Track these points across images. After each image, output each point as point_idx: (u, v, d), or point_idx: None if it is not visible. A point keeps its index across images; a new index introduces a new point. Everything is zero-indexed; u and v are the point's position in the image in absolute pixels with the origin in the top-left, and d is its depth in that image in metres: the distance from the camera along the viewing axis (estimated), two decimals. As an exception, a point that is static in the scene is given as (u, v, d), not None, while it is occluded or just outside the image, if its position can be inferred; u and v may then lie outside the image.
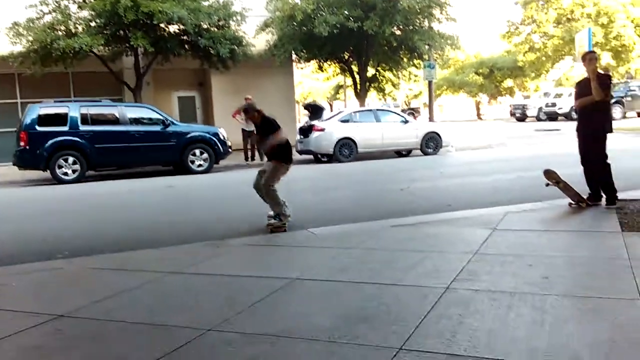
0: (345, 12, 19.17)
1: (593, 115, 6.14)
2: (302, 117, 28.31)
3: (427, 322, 3.09)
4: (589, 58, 6.22)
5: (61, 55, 15.80)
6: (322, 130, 15.26)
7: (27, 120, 13.08)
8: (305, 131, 15.90)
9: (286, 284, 4.00)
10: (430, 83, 21.39)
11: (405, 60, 21.81)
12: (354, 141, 15.33)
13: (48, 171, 13.22)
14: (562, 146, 14.08)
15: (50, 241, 6.33)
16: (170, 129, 14.09)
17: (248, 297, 3.73)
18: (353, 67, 22.14)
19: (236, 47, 17.08)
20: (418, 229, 5.63)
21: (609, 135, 6.22)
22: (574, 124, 6.62)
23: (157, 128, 14.02)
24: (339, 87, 39.94)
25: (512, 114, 34.90)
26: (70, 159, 13.18)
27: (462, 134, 22.32)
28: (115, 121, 13.81)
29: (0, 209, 9.92)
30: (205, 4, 17.18)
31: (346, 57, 21.92)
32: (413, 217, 6.28)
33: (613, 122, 6.75)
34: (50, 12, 16.52)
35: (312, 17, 18.91)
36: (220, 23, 17.58)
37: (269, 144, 6.24)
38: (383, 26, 18.75)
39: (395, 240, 5.27)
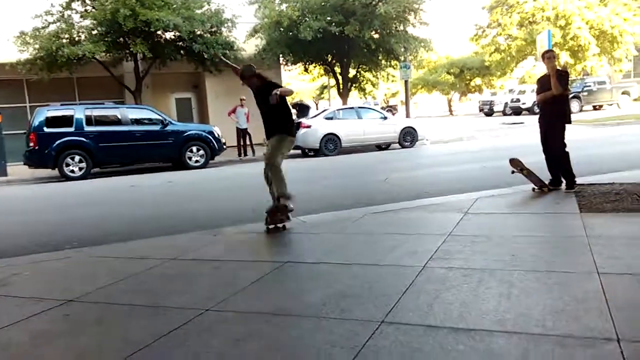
0: (328, 17, 19.11)
1: (553, 108, 6.18)
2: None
3: (406, 298, 3.09)
4: (548, 56, 6.25)
5: (66, 62, 15.59)
6: (309, 127, 15.24)
7: (36, 123, 12.91)
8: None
9: (278, 267, 3.98)
10: (406, 82, 21.40)
11: (383, 61, 21.82)
12: (338, 137, 15.34)
13: (56, 169, 13.07)
14: (526, 137, 14.18)
15: (59, 233, 6.26)
16: (169, 128, 13.98)
17: (243, 279, 3.72)
18: (336, 68, 22.09)
19: (228, 52, 16.95)
20: (397, 215, 5.64)
21: (568, 126, 6.26)
22: (537, 117, 6.66)
23: (157, 127, 13.90)
24: (323, 88, 39.80)
25: (481, 110, 35.12)
26: (77, 158, 13.04)
27: (436, 128, 22.39)
28: (117, 122, 13.67)
29: (12, 204, 9.79)
30: (199, 12, 17.04)
31: (329, 59, 21.86)
32: (392, 204, 6.28)
33: (572, 114, 6.79)
34: (54, 22, 16.30)
35: (297, 23, 18.83)
36: (213, 29, 17.45)
37: (280, 92, 5.18)
38: (362, 30, 18.72)
39: (377, 225, 5.27)
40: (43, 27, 16.16)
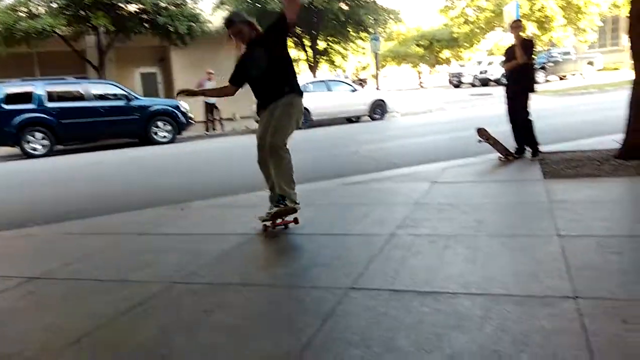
0: (296, -11, 18.75)
1: (519, 77, 6.26)
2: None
3: (374, 264, 3.13)
4: (515, 26, 6.30)
5: (24, 36, 15.00)
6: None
7: (-6, 100, 12.45)
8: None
9: (248, 240, 3.98)
10: (376, 55, 21.33)
11: (352, 33, 21.67)
12: (307, 110, 15.22)
13: (17, 147, 12.69)
14: (493, 108, 14.36)
15: (24, 210, 6.10)
16: (134, 103, 13.68)
17: (212, 252, 3.70)
18: (305, 41, 21.84)
19: (194, 24, 16.57)
20: (366, 186, 5.68)
21: (534, 96, 6.36)
22: (504, 88, 6.73)
23: (121, 103, 13.59)
24: (293, 61, 39.36)
25: (450, 82, 35.30)
26: (39, 135, 12.67)
27: (406, 100, 22.47)
28: (80, 97, 13.30)
29: (-28, 185, 9.48)
30: (162, -17, 16.55)
31: (298, 32, 21.57)
32: (363, 175, 6.32)
33: (538, 85, 6.90)
34: (10, -6, 15.61)
35: (265, -6, 18.48)
36: (178, 1, 16.99)
37: (291, 8, 3.78)
38: (331, 2, 18.49)
39: (347, 196, 5.30)
40: (-1, 0, 15.49)
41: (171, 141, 13.85)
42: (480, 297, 2.57)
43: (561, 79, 27.93)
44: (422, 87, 43.52)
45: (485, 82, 29.81)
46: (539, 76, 25.06)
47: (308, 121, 15.15)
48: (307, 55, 21.99)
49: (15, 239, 4.67)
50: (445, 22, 38.69)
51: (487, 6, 31.39)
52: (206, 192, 6.21)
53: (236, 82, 4.19)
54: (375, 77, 22.17)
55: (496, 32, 34.15)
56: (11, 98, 12.55)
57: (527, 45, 6.16)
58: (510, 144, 6.45)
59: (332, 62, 23.47)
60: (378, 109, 16.09)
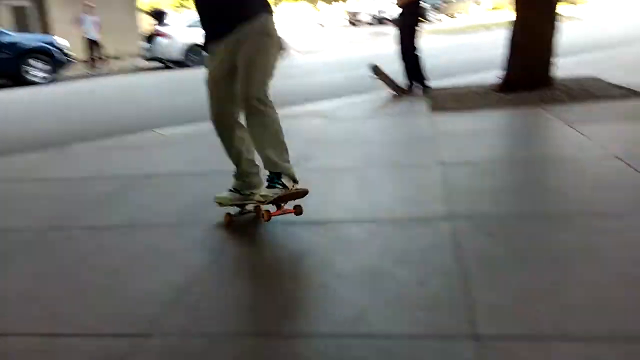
0: None
1: (409, 14, 6.38)
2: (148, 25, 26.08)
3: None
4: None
5: None
6: (168, 36, 14.23)
7: None
8: (152, 38, 14.73)
9: (135, 181, 3.80)
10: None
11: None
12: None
13: None
14: (389, 46, 14.62)
15: None
16: (2, 39, 12.26)
17: (95, 195, 3.50)
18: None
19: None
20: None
21: (425, 35, 6.53)
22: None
23: (-13, 39, 12.13)
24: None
25: (348, 20, 35.34)
26: None
27: (304, 39, 22.21)
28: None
29: None
30: None
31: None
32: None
33: (429, 24, 7.08)
34: None
35: None
36: None
37: None
38: None
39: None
40: None
41: (48, 81, 12.69)
42: (366, 223, 2.69)
43: (451, 18, 29.00)
44: (320, 25, 43.16)
45: (382, 21, 30.21)
46: (431, 15, 25.79)
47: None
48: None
49: None
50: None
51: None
52: (89, 133, 5.81)
53: None
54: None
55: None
56: None
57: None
58: (402, 81, 6.64)
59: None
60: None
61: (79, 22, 14.43)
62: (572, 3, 28.01)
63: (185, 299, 2.07)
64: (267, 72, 2.58)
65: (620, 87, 5.52)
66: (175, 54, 14.23)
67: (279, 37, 2.70)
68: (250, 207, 2.91)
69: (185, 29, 14.62)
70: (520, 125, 4.83)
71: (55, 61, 12.88)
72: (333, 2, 46.61)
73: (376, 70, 6.66)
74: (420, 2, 6.41)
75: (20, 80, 12.44)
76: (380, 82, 6.67)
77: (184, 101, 8.43)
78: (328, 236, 2.56)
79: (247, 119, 2.58)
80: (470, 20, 27.16)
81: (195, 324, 1.87)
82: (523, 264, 2.12)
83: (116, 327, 1.90)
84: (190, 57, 14.29)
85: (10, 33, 12.86)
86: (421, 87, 6.58)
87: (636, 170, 3.06)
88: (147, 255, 2.53)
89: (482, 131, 4.51)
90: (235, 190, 2.92)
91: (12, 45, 12.34)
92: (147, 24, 19.24)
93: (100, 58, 14.82)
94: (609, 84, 5.77)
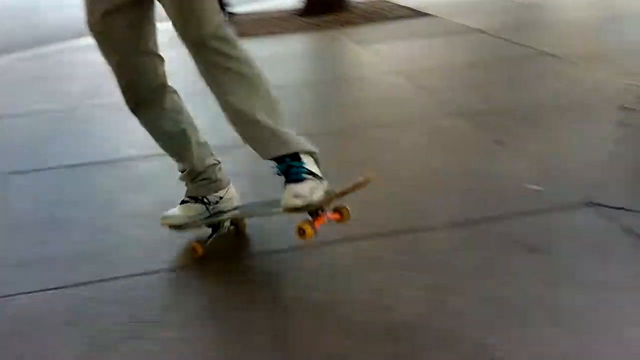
0: None
1: None
2: None
3: (53, 142, 2.86)
4: None
5: None
6: None
7: None
8: None
9: None
10: None
11: None
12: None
13: None
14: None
15: None
16: None
17: None
18: None
19: None
20: (51, 58, 5.02)
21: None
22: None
23: None
24: None
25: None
26: None
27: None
28: None
29: None
30: None
31: None
32: (44, 47, 5.57)
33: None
34: None
35: None
36: None
37: None
38: None
39: (26, 71, 4.62)
40: None
41: None
42: (154, 157, 2.59)
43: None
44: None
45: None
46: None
47: None
48: None
49: None
50: None
51: None
52: None
53: None
54: None
55: None
56: None
57: None
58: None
59: None
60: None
61: None
62: None
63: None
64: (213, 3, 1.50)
65: (408, 8, 5.99)
66: None
67: None
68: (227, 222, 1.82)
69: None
70: (318, 48, 5.02)
71: None
72: None
73: None
74: None
75: None
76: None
77: None
78: (110, 174, 2.49)
79: (209, 73, 1.54)
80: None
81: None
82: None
83: None
84: None
85: None
86: (225, 13, 6.40)
87: (410, 83, 3.40)
88: None
89: (284, 55, 4.59)
90: (193, 199, 1.80)
91: None
92: None
93: None
94: (398, 5, 6.22)
